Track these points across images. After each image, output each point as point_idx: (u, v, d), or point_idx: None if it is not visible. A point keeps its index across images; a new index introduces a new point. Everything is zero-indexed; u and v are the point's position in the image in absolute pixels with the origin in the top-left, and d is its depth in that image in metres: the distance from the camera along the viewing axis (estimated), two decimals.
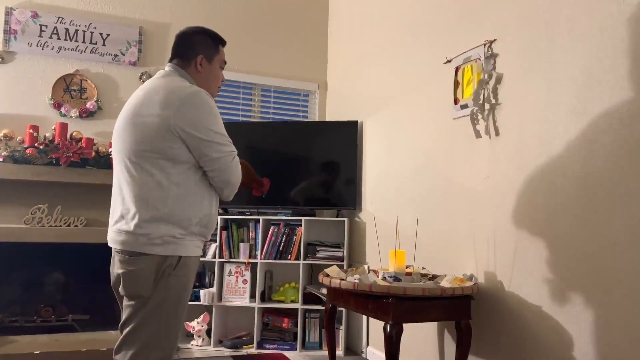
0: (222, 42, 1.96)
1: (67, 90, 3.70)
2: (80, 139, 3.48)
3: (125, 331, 1.68)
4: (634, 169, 1.74)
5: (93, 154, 3.46)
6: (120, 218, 1.70)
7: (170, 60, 1.88)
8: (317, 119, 4.38)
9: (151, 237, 1.65)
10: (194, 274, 1.78)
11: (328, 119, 4.36)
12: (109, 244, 1.75)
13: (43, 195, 3.47)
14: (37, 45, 3.63)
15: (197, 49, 1.87)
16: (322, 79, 4.43)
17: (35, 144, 3.36)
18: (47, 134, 3.44)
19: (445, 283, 2.29)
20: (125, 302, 1.70)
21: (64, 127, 3.45)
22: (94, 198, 3.51)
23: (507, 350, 2.26)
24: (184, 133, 1.66)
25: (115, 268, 1.72)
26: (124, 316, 1.70)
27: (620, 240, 1.77)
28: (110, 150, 3.50)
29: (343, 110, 4.12)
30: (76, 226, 3.42)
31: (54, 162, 3.34)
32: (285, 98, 4.38)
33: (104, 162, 3.47)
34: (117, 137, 1.77)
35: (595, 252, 1.86)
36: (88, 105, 3.69)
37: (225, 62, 1.98)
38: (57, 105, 3.63)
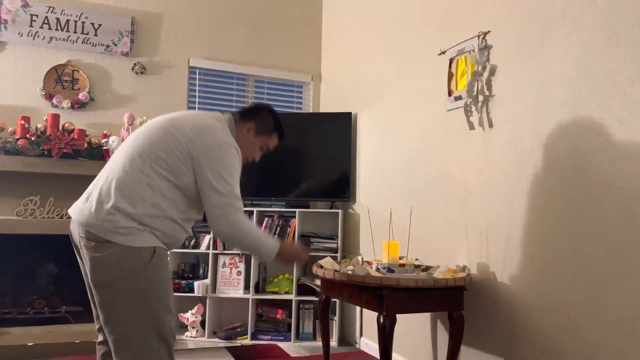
0: (280, 135, 2.08)
1: (59, 81, 3.66)
2: (72, 130, 3.46)
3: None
4: (625, 162, 1.75)
5: (85, 145, 3.44)
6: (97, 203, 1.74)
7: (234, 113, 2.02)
8: (311, 111, 4.37)
9: (117, 227, 1.69)
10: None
11: (322, 110, 4.35)
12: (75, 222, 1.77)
13: (35, 187, 3.44)
14: (28, 35, 3.59)
15: (256, 119, 2.01)
16: (316, 70, 4.42)
17: (27, 135, 3.33)
18: (38, 125, 3.41)
19: (438, 274, 2.30)
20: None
21: (55, 118, 3.43)
22: (86, 189, 3.49)
23: (499, 341, 2.28)
24: (199, 167, 1.76)
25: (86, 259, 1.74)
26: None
27: (611, 233, 1.78)
28: (105, 142, 3.48)
29: (337, 102, 4.11)
30: (69, 218, 3.39)
31: (46, 153, 3.31)
32: (279, 89, 4.36)
33: (97, 153, 3.45)
34: (139, 135, 1.83)
35: (586, 244, 1.88)
36: (80, 96, 3.66)
37: (268, 148, 2.08)
38: (49, 96, 3.60)
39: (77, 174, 3.37)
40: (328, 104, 4.28)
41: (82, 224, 1.74)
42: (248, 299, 3.64)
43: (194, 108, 4.05)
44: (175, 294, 3.56)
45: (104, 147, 3.46)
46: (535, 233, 2.11)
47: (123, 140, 3.52)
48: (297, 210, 3.71)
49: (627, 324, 1.71)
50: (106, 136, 3.55)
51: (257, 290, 3.74)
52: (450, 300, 2.27)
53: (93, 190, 1.80)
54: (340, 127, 3.78)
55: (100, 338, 1.99)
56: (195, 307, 3.64)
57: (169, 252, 1.86)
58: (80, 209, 1.79)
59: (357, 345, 3.55)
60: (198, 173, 1.77)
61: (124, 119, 3.64)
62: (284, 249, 1.91)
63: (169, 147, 1.77)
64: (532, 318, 2.10)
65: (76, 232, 1.80)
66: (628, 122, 1.74)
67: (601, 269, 1.81)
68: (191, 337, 3.60)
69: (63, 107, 3.61)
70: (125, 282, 1.71)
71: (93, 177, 3.60)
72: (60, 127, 3.44)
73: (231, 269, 3.70)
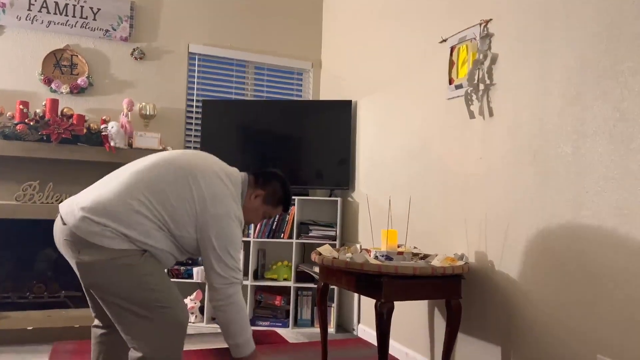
0: (285, 207, 2.14)
1: (58, 65, 3.64)
2: (71, 116, 3.44)
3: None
4: (624, 153, 1.75)
5: (84, 130, 3.42)
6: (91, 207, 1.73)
7: (251, 172, 2.07)
8: (311, 98, 4.36)
9: (104, 230, 1.70)
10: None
11: (322, 98, 4.33)
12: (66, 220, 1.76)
13: (34, 172, 3.44)
14: (26, 19, 3.56)
15: (267, 188, 2.05)
16: (317, 57, 4.39)
17: (26, 120, 3.31)
18: (37, 110, 3.39)
19: (436, 262, 2.31)
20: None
21: (54, 103, 3.41)
22: (86, 175, 3.46)
23: (495, 329, 2.30)
24: (205, 231, 1.80)
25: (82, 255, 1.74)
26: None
27: (608, 222, 1.79)
28: (104, 127, 3.47)
29: (337, 90, 4.09)
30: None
31: (45, 138, 3.30)
32: (278, 76, 4.34)
33: (96, 139, 3.44)
34: (155, 165, 1.84)
35: (585, 232, 1.88)
36: (79, 81, 3.64)
37: (270, 217, 2.15)
38: (48, 81, 3.57)
39: (76, 159, 3.37)
40: (328, 92, 4.26)
41: (69, 225, 1.73)
42: (247, 286, 3.66)
43: (193, 94, 4.03)
44: (174, 280, 3.58)
45: (103, 133, 3.45)
46: (534, 222, 2.12)
47: (122, 126, 3.51)
48: (296, 198, 3.71)
49: (623, 314, 1.72)
50: (105, 122, 3.54)
51: (256, 277, 3.76)
52: (448, 289, 2.29)
53: (88, 197, 1.78)
54: (340, 115, 3.77)
55: (95, 322, 2.00)
56: (194, 293, 3.66)
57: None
58: (71, 211, 1.76)
59: (355, 332, 3.58)
60: (204, 236, 1.81)
61: (123, 104, 3.63)
62: (256, 356, 1.89)
63: (181, 199, 1.78)
64: (529, 307, 2.12)
65: (60, 234, 1.78)
66: (629, 112, 1.74)
67: (599, 260, 1.82)
68: (190, 322, 3.63)
69: (62, 92, 3.60)
70: (117, 281, 1.72)
71: (92, 163, 3.61)
72: (59, 112, 3.42)
73: None
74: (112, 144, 3.41)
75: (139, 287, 1.73)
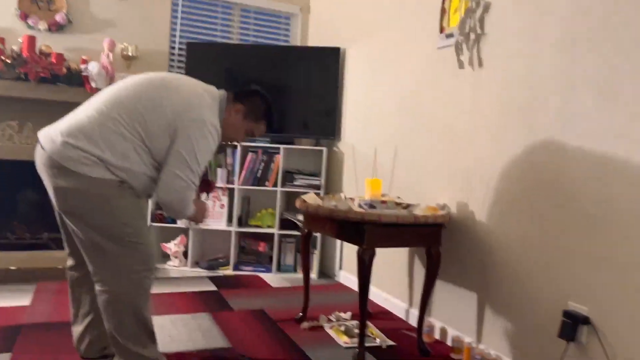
0: (269, 123, 2.08)
1: (34, 0, 3.47)
2: (50, 54, 3.32)
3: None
4: (611, 107, 1.76)
5: (64, 70, 3.31)
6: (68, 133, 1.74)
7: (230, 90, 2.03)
8: (298, 44, 4.26)
9: (81, 157, 1.70)
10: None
11: (310, 44, 4.24)
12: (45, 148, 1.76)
13: (12, 112, 3.34)
14: None
15: (247, 102, 2.01)
16: (305, 1, 4.26)
17: (2, 57, 3.19)
18: (14, 47, 3.26)
19: (418, 211, 2.35)
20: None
21: (31, 40, 3.27)
22: (64, 116, 3.41)
23: (473, 276, 2.37)
24: (177, 137, 1.77)
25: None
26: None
27: (591, 176, 1.82)
28: (84, 67, 3.36)
29: (325, 36, 4.00)
30: None
31: (23, 77, 3.19)
32: (265, 20, 4.21)
33: (76, 79, 3.34)
34: (129, 85, 1.83)
35: (566, 186, 1.92)
36: (57, 17, 3.49)
37: (253, 135, 2.09)
38: (24, 16, 3.42)
39: (55, 99, 3.28)
40: (316, 38, 4.16)
41: (47, 150, 1.73)
42: (231, 232, 3.69)
43: (175, 37, 3.90)
44: (157, 224, 3.58)
45: (84, 74, 3.35)
46: (517, 175, 2.15)
47: (103, 67, 3.41)
48: (281, 146, 3.70)
49: (595, 258, 1.79)
50: (85, 62, 3.42)
51: (240, 223, 3.79)
52: (429, 237, 2.34)
53: (65, 123, 1.78)
54: (328, 62, 3.71)
55: (69, 262, 2.02)
56: (178, 238, 3.69)
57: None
58: (49, 136, 1.77)
59: (336, 278, 3.67)
60: (174, 141, 1.78)
61: (104, 44, 3.50)
62: (197, 203, 1.97)
63: (154, 109, 1.76)
64: (506, 256, 2.18)
65: (39, 160, 1.79)
66: (619, 66, 1.74)
67: (577, 213, 1.87)
68: (174, 266, 3.67)
69: (39, 29, 3.45)
70: (90, 209, 1.73)
71: (72, 104, 3.52)
72: (37, 50, 3.30)
73: (214, 201, 3.72)
74: (93, 85, 3.32)
75: (112, 219, 1.73)
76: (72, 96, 3.29)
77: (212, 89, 1.96)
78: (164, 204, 1.83)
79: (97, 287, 1.79)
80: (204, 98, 1.87)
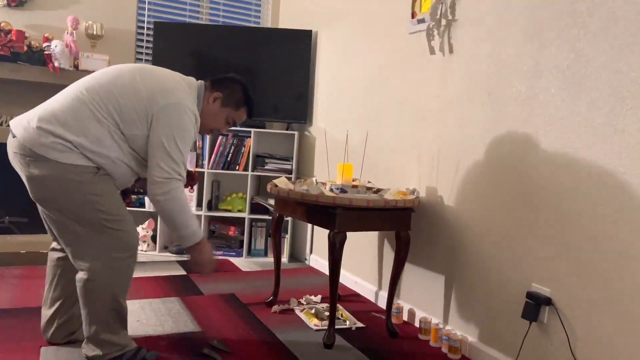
0: (249, 109, 2.06)
1: None
2: (10, 31, 3.18)
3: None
4: (574, 93, 1.80)
5: (25, 48, 3.18)
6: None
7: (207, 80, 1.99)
8: (269, 26, 4.20)
9: (54, 143, 1.67)
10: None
11: (281, 26, 4.18)
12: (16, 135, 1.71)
13: None
14: None
15: (224, 90, 1.97)
16: None
17: None
18: None
19: (389, 196, 2.37)
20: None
21: None
22: (28, 96, 3.29)
23: (441, 259, 2.42)
24: (155, 124, 1.73)
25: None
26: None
27: (554, 161, 1.87)
28: (47, 45, 3.23)
29: (297, 18, 3.95)
30: (9, 125, 3.21)
31: None
32: (235, 1, 4.13)
33: (38, 58, 3.21)
34: (105, 73, 1.79)
35: (531, 171, 1.97)
36: None
37: (234, 123, 2.05)
38: None
39: (16, 79, 3.15)
40: (287, 20, 4.11)
41: (18, 137, 1.68)
42: (200, 216, 3.66)
43: (143, 15, 3.79)
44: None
45: (46, 52, 3.22)
46: (484, 160, 2.19)
47: (67, 46, 3.29)
48: (252, 130, 3.66)
49: (557, 243, 1.85)
50: (48, 40, 3.30)
51: (210, 207, 3.75)
52: (399, 221, 2.37)
53: (38, 109, 1.73)
54: (300, 45, 3.67)
55: (53, 245, 1.98)
56: (146, 222, 3.64)
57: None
58: (20, 123, 1.72)
59: (307, 262, 3.69)
60: (152, 130, 1.74)
61: (68, 22, 3.38)
62: (204, 244, 1.87)
63: (128, 93, 1.73)
64: (473, 239, 2.23)
65: (11, 148, 1.74)
66: (584, 53, 1.78)
67: (542, 198, 1.92)
68: (142, 250, 3.62)
69: None
70: (64, 196, 1.69)
71: (35, 84, 3.40)
72: None
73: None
74: (56, 64, 3.20)
75: (86, 205, 1.70)
76: (35, 76, 3.17)
77: (190, 78, 1.94)
78: (155, 199, 1.76)
79: (78, 274, 1.76)
80: (181, 84, 1.84)
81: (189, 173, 2.12)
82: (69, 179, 1.67)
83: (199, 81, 1.97)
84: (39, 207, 1.82)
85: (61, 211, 1.70)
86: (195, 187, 2.23)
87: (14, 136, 1.71)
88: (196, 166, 3.65)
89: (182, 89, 1.82)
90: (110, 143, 1.72)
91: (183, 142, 1.76)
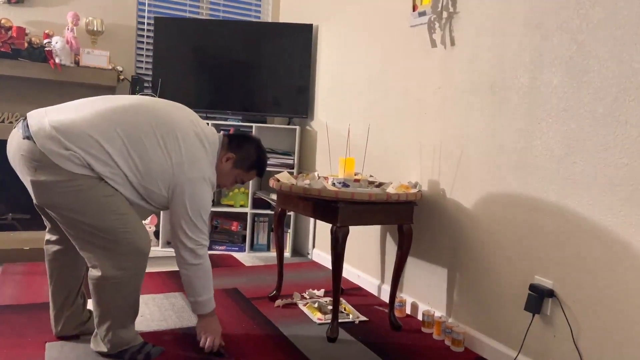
0: (259, 172, 2.13)
1: None
2: (10, 28, 3.18)
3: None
4: (577, 85, 1.80)
5: (26, 44, 3.18)
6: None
7: (226, 135, 2.06)
8: (270, 20, 4.19)
9: (69, 154, 1.65)
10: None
11: (282, 20, 4.17)
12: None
13: None
14: None
15: (239, 151, 2.02)
16: None
17: None
18: None
19: (391, 190, 2.37)
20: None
21: None
22: (28, 93, 3.29)
23: (443, 252, 2.42)
24: (179, 192, 1.80)
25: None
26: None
27: (556, 153, 1.87)
28: (47, 42, 3.23)
29: (298, 12, 3.94)
30: (10, 122, 3.22)
31: None
32: None
33: (38, 54, 3.21)
34: (135, 107, 1.78)
35: (533, 163, 1.96)
36: None
37: (243, 182, 2.12)
38: None
39: (17, 75, 3.15)
40: (288, 14, 4.10)
41: (38, 143, 1.63)
42: None
43: (144, 11, 3.78)
44: None
45: (47, 48, 3.22)
46: (485, 152, 2.19)
47: (68, 42, 3.29)
48: (253, 125, 3.66)
49: (560, 235, 1.85)
50: (48, 36, 3.29)
51: (213, 203, 3.76)
52: (401, 214, 2.37)
53: (62, 117, 1.68)
54: (301, 39, 3.66)
55: (48, 237, 1.97)
56: (149, 218, 3.64)
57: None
58: (42, 128, 1.65)
59: (309, 256, 3.70)
60: (177, 199, 1.80)
61: (68, 18, 3.37)
62: (215, 314, 1.97)
63: (158, 155, 1.75)
64: (476, 232, 2.23)
65: (18, 147, 1.67)
66: (586, 44, 1.77)
67: (543, 189, 1.92)
68: None
69: None
70: (74, 201, 1.68)
71: (36, 81, 3.38)
72: None
73: None
74: (57, 60, 3.20)
75: (100, 208, 1.69)
76: (36, 72, 3.17)
77: (211, 133, 1.95)
78: (185, 268, 1.86)
79: (90, 271, 1.78)
80: (206, 150, 1.88)
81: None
82: (77, 183, 1.66)
83: (219, 135, 2.01)
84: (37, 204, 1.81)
85: (72, 211, 1.69)
86: None
87: (25, 137, 1.65)
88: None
89: (206, 159, 1.87)
90: (126, 188, 1.76)
91: (206, 213, 1.86)
